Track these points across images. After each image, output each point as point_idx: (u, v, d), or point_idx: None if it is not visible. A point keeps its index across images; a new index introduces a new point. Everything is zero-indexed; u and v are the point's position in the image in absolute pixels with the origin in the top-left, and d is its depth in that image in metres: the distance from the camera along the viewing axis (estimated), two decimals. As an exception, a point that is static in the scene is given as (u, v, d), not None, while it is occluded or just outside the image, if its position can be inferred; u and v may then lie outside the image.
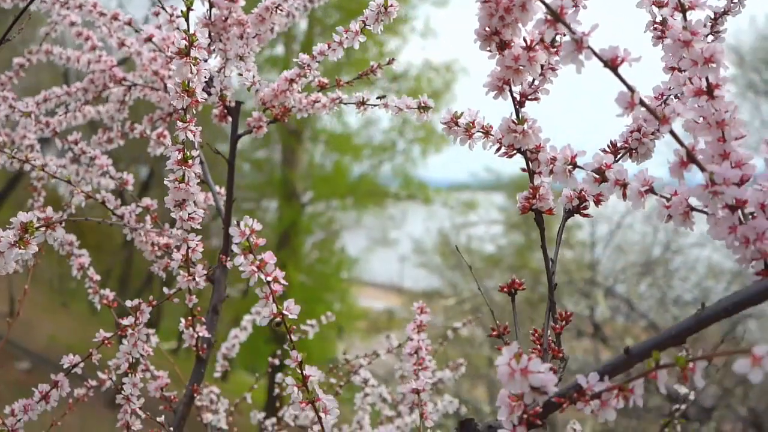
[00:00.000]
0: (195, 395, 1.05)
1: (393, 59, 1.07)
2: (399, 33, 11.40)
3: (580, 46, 0.53)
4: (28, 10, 0.85)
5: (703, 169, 0.54)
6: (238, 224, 0.65)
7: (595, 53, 0.54)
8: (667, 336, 0.54)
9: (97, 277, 1.15)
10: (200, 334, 1.03)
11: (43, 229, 0.68)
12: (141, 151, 1.25)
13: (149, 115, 1.26)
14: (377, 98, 0.99)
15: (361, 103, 1.01)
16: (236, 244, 0.65)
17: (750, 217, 0.56)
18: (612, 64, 0.54)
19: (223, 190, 1.19)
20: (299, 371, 0.69)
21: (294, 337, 1.50)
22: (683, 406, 1.16)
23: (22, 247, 0.71)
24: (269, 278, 0.66)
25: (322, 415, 0.69)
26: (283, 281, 0.67)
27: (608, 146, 0.73)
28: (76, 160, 1.26)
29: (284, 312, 0.67)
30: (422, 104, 0.90)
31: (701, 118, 0.58)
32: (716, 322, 0.53)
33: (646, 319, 6.47)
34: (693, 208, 0.58)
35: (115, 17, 1.14)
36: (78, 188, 1.02)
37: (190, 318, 1.02)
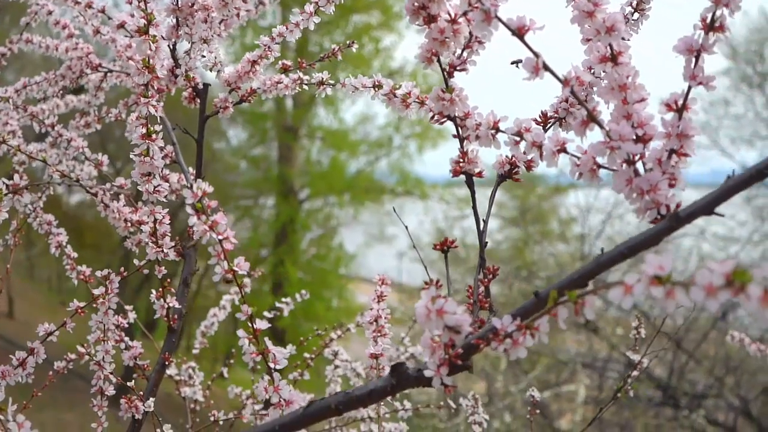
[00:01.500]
0: (167, 363, 1.10)
1: (353, 42, 1.12)
2: (395, 29, 11.46)
3: (488, 17, 0.58)
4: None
5: (602, 127, 0.60)
6: (191, 187, 0.70)
7: (503, 22, 0.59)
8: (571, 279, 0.59)
9: (74, 255, 1.20)
10: (171, 305, 1.08)
11: (11, 195, 0.74)
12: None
13: (124, 100, 1.31)
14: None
15: (321, 83, 1.06)
16: (189, 204, 0.70)
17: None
18: (519, 32, 0.59)
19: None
20: (250, 324, 0.74)
21: (272, 316, 1.54)
22: (635, 373, 1.22)
23: (-8, 213, 0.76)
24: (221, 237, 0.71)
25: (271, 365, 0.74)
26: (233, 240, 0.72)
27: (539, 116, 0.78)
28: (55, 145, 1.31)
29: (235, 268, 0.73)
30: (376, 83, 0.95)
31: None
32: (615, 265, 0.58)
33: (637, 309, 6.54)
34: (600, 165, 0.63)
35: (89, 5, 1.19)
36: (54, 167, 1.08)
37: (160, 289, 1.07)
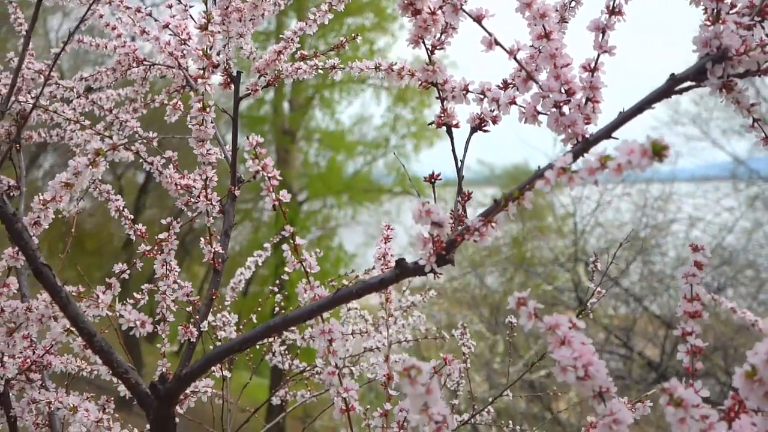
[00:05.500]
0: (213, 297, 1.36)
1: (357, 34, 1.39)
2: (389, 30, 11.76)
3: (456, 9, 0.84)
4: (93, 8, 1.16)
5: (537, 83, 0.86)
6: (248, 137, 0.96)
7: (466, 12, 0.85)
8: (516, 188, 0.85)
9: (131, 216, 1.45)
10: (216, 250, 1.34)
11: (110, 151, 0.99)
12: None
13: (166, 88, 1.57)
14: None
15: (332, 68, 1.33)
16: (246, 151, 0.96)
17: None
18: (478, 19, 0.85)
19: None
20: (292, 241, 1.00)
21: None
22: (593, 300, 1.47)
23: (94, 167, 1.02)
24: (270, 175, 0.97)
25: (308, 270, 1.00)
26: (278, 177, 0.98)
27: (501, 82, 1.04)
28: (108, 128, 1.57)
29: (280, 198, 0.99)
30: (377, 65, 1.21)
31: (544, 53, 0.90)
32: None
33: (628, 293, 6.81)
34: (539, 112, 0.89)
35: (138, 10, 1.46)
36: (117, 143, 1.33)
37: (208, 237, 1.33)
